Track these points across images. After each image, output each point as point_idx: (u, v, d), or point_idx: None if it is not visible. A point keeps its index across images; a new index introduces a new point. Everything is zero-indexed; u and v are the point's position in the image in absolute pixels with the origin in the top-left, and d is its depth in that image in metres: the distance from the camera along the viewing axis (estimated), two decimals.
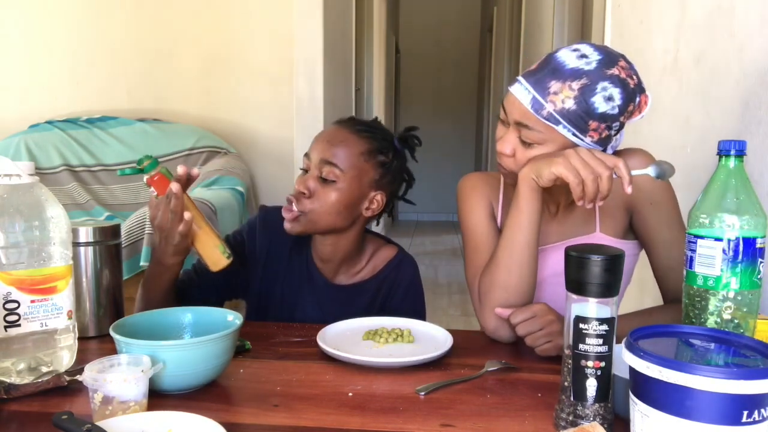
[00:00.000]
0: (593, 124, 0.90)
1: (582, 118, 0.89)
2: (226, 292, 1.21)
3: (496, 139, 1.00)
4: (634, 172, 0.86)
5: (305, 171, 1.14)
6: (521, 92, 0.92)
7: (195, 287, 1.16)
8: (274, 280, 1.21)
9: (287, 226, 1.12)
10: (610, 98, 0.88)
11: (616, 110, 0.89)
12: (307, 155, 1.13)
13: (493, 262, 0.98)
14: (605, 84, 0.88)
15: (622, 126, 0.93)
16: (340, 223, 1.12)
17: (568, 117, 0.89)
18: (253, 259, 1.20)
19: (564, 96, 0.89)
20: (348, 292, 1.20)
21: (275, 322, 1.21)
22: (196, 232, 0.99)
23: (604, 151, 0.94)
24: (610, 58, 0.90)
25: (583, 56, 0.90)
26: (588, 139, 0.91)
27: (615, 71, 0.89)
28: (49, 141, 2.82)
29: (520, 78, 0.94)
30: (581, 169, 0.84)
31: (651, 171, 0.88)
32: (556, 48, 1.00)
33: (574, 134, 0.90)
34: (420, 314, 1.22)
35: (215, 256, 1.00)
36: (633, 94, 0.91)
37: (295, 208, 1.10)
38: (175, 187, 0.95)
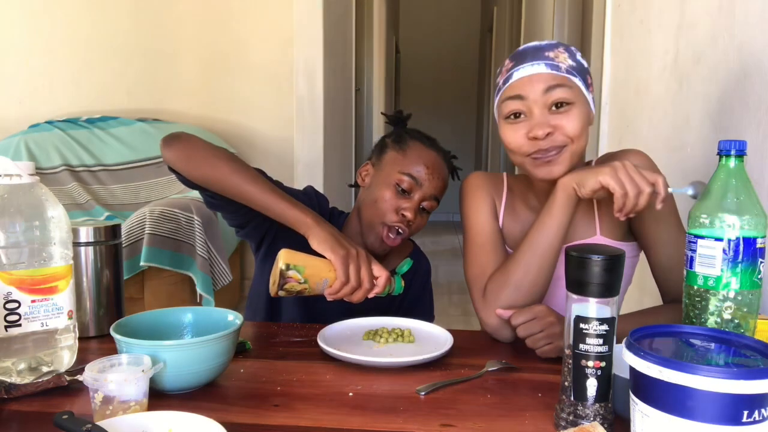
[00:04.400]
0: (589, 79, 0.98)
1: (582, 72, 0.97)
2: (253, 212, 1.10)
3: (509, 142, 0.97)
4: (671, 190, 0.87)
5: (404, 191, 1.15)
6: (533, 69, 0.95)
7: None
8: None
9: (384, 247, 1.16)
10: (582, 56, 0.99)
11: (590, 67, 1.00)
12: (413, 178, 1.14)
13: (511, 261, 0.98)
14: (571, 47, 0.99)
15: None
16: None
17: (576, 71, 0.96)
18: (291, 231, 1.13)
19: (562, 57, 0.96)
20: None
21: (275, 323, 1.22)
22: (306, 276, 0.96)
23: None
24: None
25: (541, 41, 1.00)
26: (590, 96, 0.97)
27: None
28: (49, 141, 2.83)
29: (516, 67, 0.97)
30: (627, 183, 0.86)
31: (690, 190, 0.88)
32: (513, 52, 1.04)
33: (586, 88, 0.97)
34: (432, 302, 1.36)
35: (273, 285, 0.97)
36: None
37: (403, 232, 1.16)
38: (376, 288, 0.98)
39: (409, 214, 1.13)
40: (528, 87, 0.95)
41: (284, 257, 0.94)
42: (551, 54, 0.95)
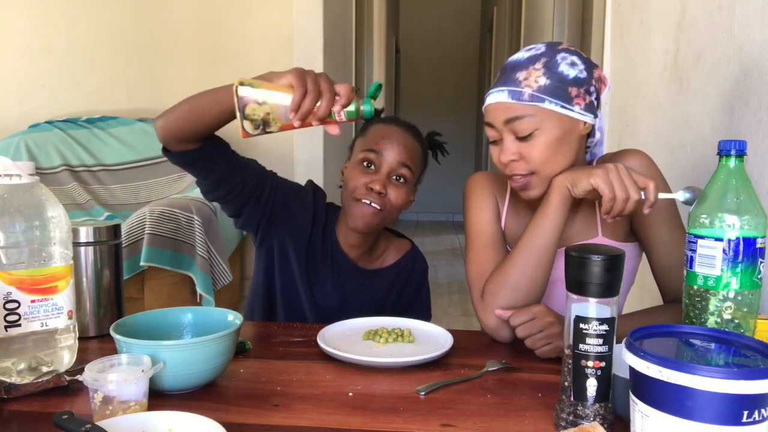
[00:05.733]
0: (573, 91, 0.93)
1: (560, 87, 0.93)
2: (244, 193, 1.15)
3: (494, 162, 1.01)
4: (661, 196, 0.87)
5: (368, 165, 1.15)
6: (496, 96, 0.95)
7: (236, 164, 1.13)
8: (297, 251, 1.22)
9: (362, 223, 1.15)
10: (573, 64, 0.94)
11: (584, 73, 0.94)
12: (374, 152, 1.15)
13: (508, 262, 0.98)
14: (562, 54, 0.94)
15: (598, 94, 0.97)
16: (397, 219, 1.20)
17: (548, 92, 0.92)
18: (285, 216, 1.21)
19: (534, 77, 0.93)
20: (369, 277, 1.27)
21: (275, 323, 1.22)
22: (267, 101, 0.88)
23: (595, 118, 0.97)
24: (553, 42, 0.97)
25: (531, 48, 0.97)
26: (576, 108, 0.94)
27: (564, 46, 0.96)
28: (49, 141, 2.82)
29: (489, 91, 0.98)
30: (617, 187, 0.87)
31: (680, 196, 0.87)
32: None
33: (562, 106, 0.93)
34: (429, 302, 1.35)
35: (238, 120, 0.88)
36: (590, 61, 0.96)
37: (377, 206, 1.14)
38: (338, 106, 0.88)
39: (376, 186, 1.13)
40: (493, 115, 0.97)
41: (237, 79, 0.87)
42: (522, 75, 0.94)
